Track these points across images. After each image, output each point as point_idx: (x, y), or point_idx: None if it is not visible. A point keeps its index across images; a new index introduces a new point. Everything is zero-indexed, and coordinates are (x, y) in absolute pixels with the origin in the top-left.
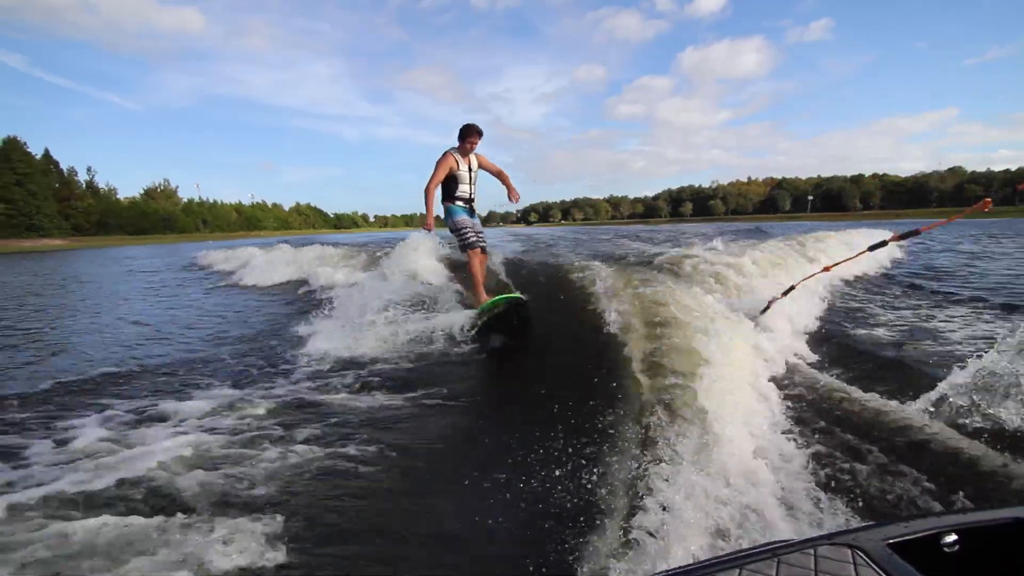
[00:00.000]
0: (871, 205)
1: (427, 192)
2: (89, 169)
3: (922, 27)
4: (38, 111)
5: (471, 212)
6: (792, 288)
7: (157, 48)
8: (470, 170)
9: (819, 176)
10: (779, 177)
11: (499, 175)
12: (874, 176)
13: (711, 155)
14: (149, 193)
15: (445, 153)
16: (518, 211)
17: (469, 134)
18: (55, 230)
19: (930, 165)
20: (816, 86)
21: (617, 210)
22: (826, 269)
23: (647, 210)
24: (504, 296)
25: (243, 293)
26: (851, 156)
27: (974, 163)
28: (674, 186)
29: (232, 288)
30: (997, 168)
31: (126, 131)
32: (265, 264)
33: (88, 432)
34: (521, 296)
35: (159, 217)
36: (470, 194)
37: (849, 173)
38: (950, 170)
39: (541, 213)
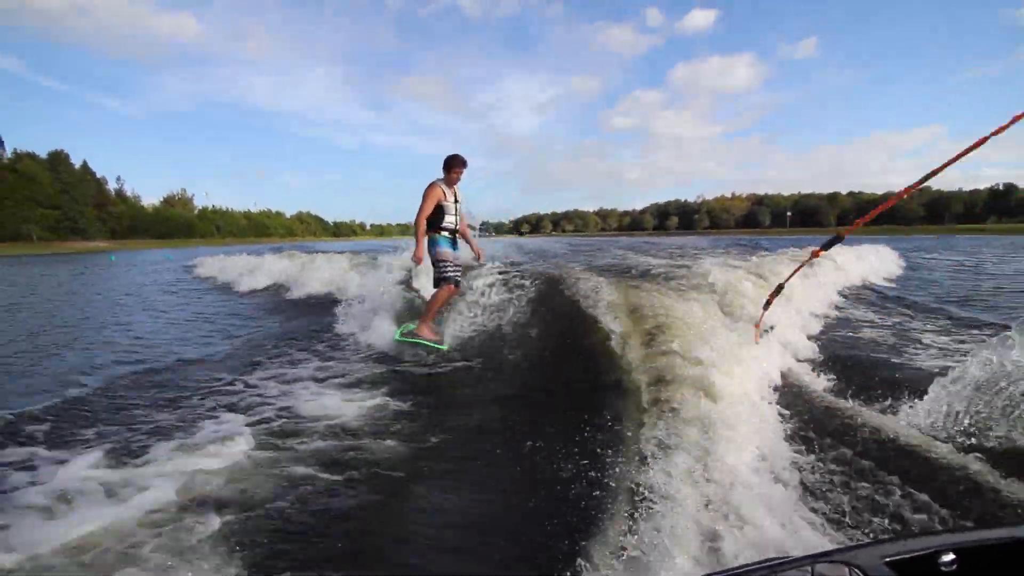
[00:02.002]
0: (846, 220)
1: (417, 224)
2: (118, 178)
3: (909, 46)
4: (36, 112)
5: (454, 243)
6: (781, 287)
7: (154, 53)
8: (456, 200)
9: (799, 193)
10: (763, 193)
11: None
12: (849, 194)
13: (704, 168)
14: (168, 200)
15: (432, 184)
16: (511, 221)
17: (455, 165)
18: (95, 233)
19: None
20: (806, 102)
21: (605, 222)
22: (815, 254)
23: (633, 223)
24: (430, 344)
25: None
26: (841, 171)
27: (960, 180)
28: (668, 198)
29: None
30: (967, 187)
31: (125, 136)
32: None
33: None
34: (442, 348)
35: (179, 223)
36: (455, 224)
37: (838, 189)
38: (919, 190)
39: (533, 224)
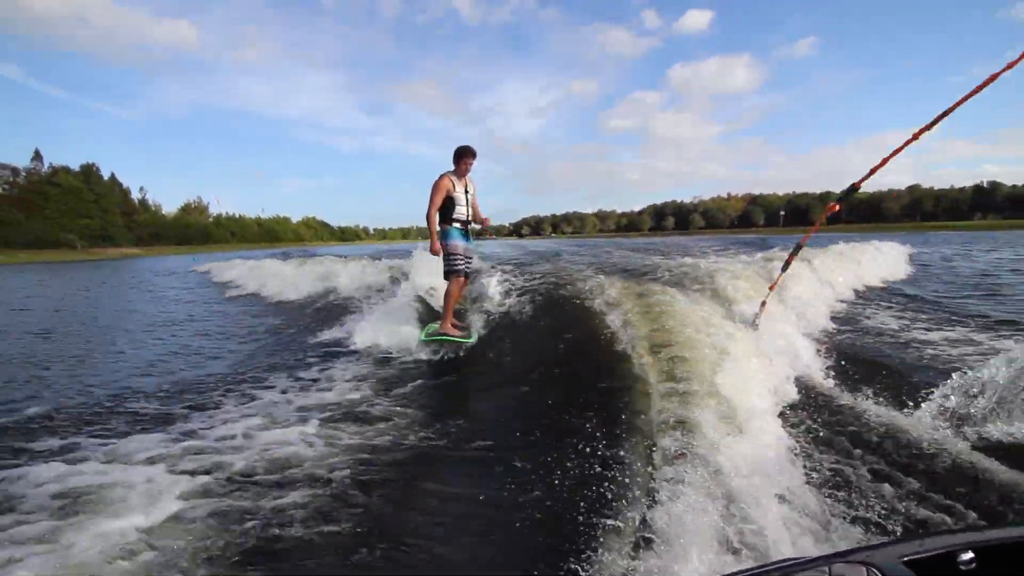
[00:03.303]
0: (838, 218)
1: (428, 219)
2: (141, 188)
3: (906, 46)
4: (33, 118)
5: (466, 235)
6: (772, 286)
7: (154, 60)
8: (466, 192)
9: (793, 192)
10: (758, 193)
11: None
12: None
13: (704, 168)
14: (185, 208)
15: (441, 177)
16: (511, 224)
17: (464, 156)
18: (124, 241)
19: (916, 179)
20: (805, 103)
21: (604, 224)
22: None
23: (630, 224)
24: (457, 339)
25: None
26: (837, 171)
27: (960, 177)
28: (667, 198)
29: None
30: (957, 183)
31: (125, 141)
32: None
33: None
34: (470, 341)
35: (196, 230)
36: (467, 216)
37: (833, 188)
38: (908, 188)
39: (533, 226)
